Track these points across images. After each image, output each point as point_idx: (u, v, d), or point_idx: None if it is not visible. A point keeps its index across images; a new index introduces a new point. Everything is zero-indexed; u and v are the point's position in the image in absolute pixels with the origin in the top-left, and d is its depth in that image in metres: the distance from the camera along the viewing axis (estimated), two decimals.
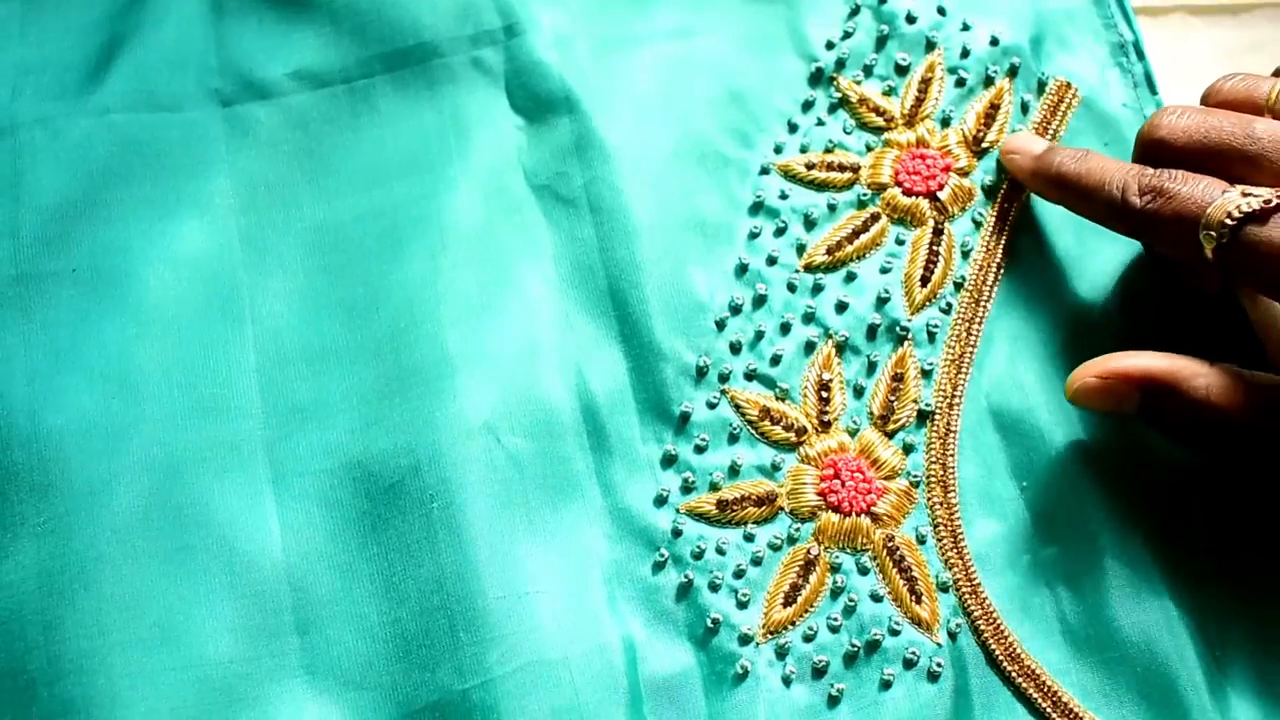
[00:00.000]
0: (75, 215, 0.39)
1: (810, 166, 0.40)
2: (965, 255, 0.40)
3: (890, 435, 0.38)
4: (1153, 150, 0.35)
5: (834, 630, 0.36)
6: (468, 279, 0.39)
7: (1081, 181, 0.36)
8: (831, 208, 0.40)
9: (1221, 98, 0.36)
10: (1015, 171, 0.39)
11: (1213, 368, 0.34)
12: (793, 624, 0.36)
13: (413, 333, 0.38)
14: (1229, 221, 0.33)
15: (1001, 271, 0.40)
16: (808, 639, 0.36)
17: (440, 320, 0.38)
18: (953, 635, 0.36)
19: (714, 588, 0.36)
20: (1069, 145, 0.41)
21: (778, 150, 0.41)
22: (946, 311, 0.39)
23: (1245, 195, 0.32)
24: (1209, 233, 0.33)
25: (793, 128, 0.41)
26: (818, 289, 0.39)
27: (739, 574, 0.36)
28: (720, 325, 0.38)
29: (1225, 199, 0.33)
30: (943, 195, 0.40)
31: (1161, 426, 0.36)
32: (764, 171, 0.41)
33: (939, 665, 0.35)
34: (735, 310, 0.39)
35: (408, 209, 0.40)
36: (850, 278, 0.39)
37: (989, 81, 0.42)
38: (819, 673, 0.35)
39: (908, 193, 0.40)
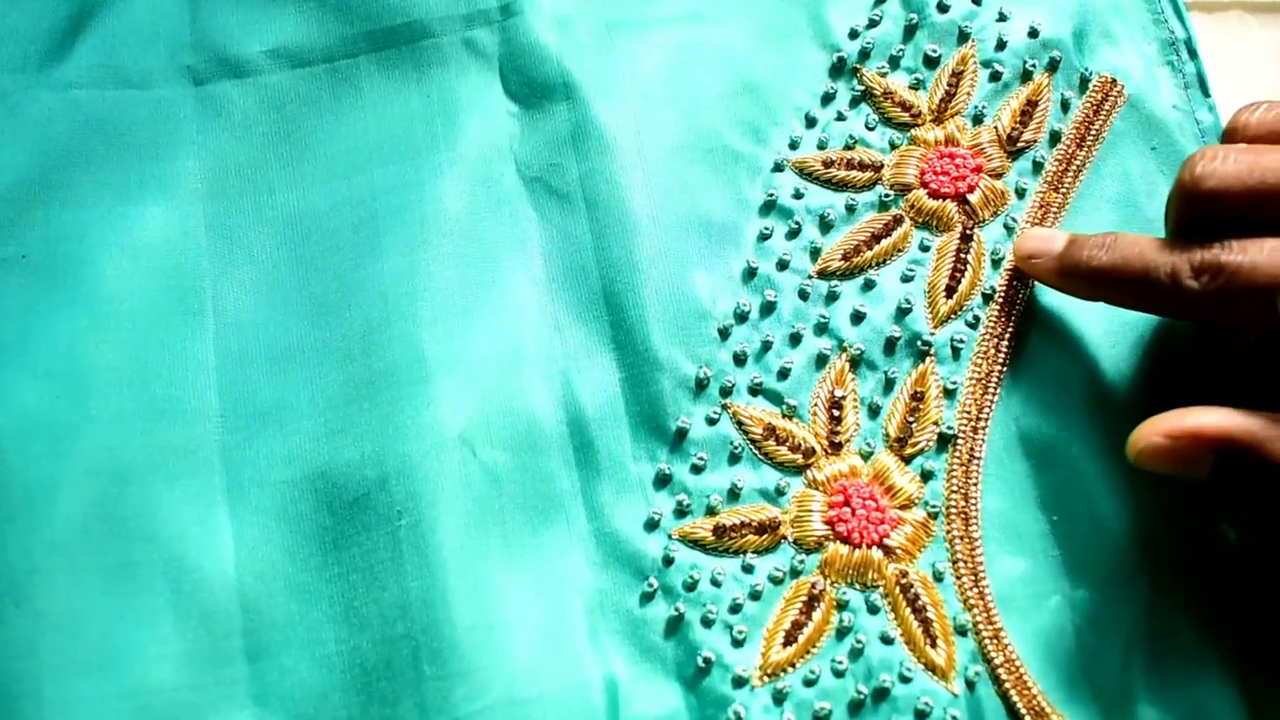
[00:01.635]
0: (30, 197, 0.37)
1: (828, 164, 0.38)
2: (996, 264, 0.37)
3: (907, 460, 0.35)
4: (1199, 205, 0.31)
5: (838, 675, 0.33)
6: (449, 276, 0.36)
7: (1120, 273, 0.32)
8: (850, 209, 0.37)
9: (1253, 133, 0.32)
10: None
11: None
12: (793, 666, 0.33)
13: (386, 332, 0.36)
14: None
15: (1035, 282, 0.36)
16: (809, 683, 0.33)
17: (416, 320, 0.36)
18: (970, 685, 0.33)
19: (707, 623, 0.33)
20: (1111, 151, 0.37)
21: (793, 146, 0.38)
22: (974, 325, 0.36)
23: None
24: None
25: (810, 122, 0.39)
26: (832, 297, 0.36)
27: (735, 608, 0.33)
28: (724, 334, 0.36)
29: None
30: (973, 198, 0.37)
31: (1237, 495, 0.32)
32: (777, 169, 0.38)
33: (954, 718, 0.32)
34: (741, 318, 0.36)
35: (387, 198, 0.38)
36: (868, 286, 0.37)
37: (1027, 76, 0.39)
38: None
39: (934, 195, 0.37)
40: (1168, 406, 0.32)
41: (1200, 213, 0.32)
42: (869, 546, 0.34)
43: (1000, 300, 0.37)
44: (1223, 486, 0.31)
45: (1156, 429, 0.31)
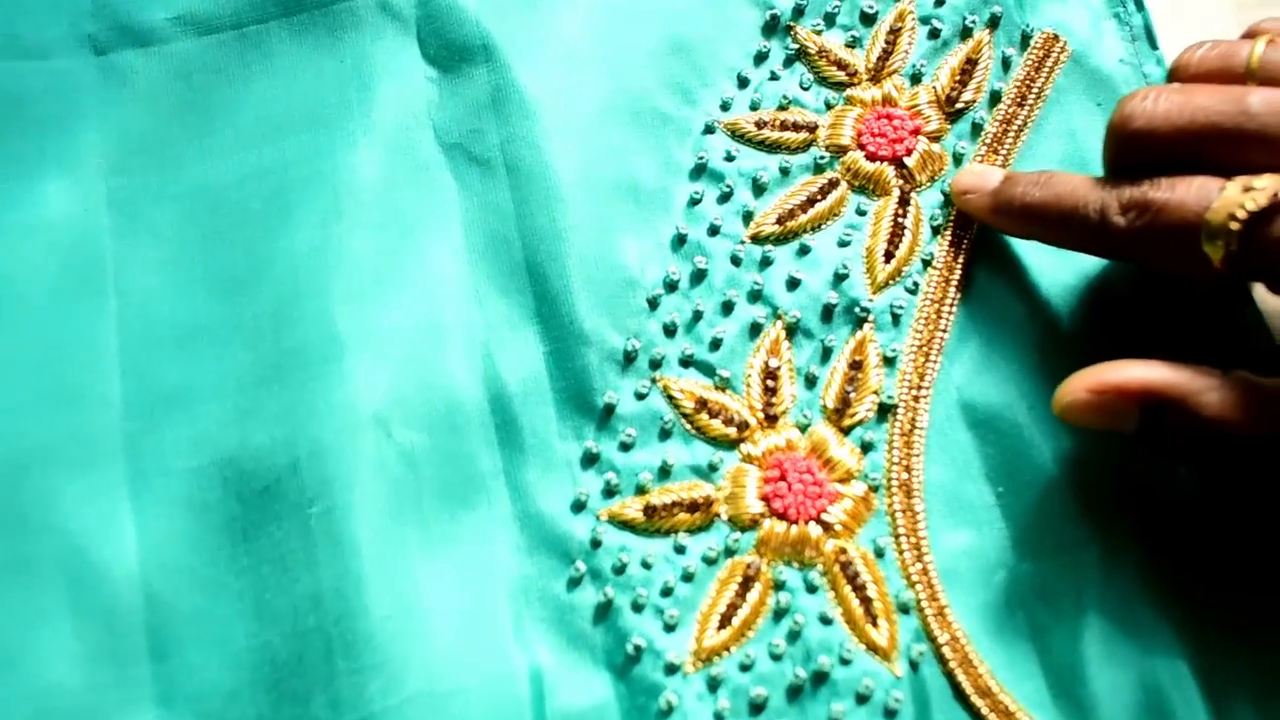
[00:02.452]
0: None
1: (761, 125, 0.36)
2: (935, 230, 0.35)
3: (846, 432, 0.33)
4: (1131, 145, 0.30)
5: (776, 658, 0.31)
6: (363, 248, 0.35)
7: (1051, 209, 0.31)
8: (784, 172, 0.36)
9: (1193, 72, 0.32)
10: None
11: (1225, 379, 0.28)
12: (728, 651, 0.31)
13: (297, 309, 0.34)
14: (1235, 226, 0.28)
15: (976, 248, 0.35)
16: (745, 669, 0.31)
17: (329, 295, 0.34)
18: (914, 665, 0.31)
19: (637, 608, 0.31)
20: (1055, 109, 0.36)
21: (725, 107, 0.37)
22: (913, 291, 0.34)
23: (1247, 190, 0.28)
24: (1215, 242, 0.28)
25: (743, 82, 0.37)
26: (766, 263, 0.35)
27: (667, 592, 0.32)
28: (653, 304, 0.34)
29: (1225, 199, 0.28)
30: (910, 161, 0.36)
31: (1166, 450, 0.30)
32: (708, 130, 0.37)
33: (897, 700, 0.30)
34: (670, 287, 0.35)
35: (299, 169, 0.36)
36: (804, 251, 0.35)
37: (966, 33, 0.37)
38: (757, 709, 0.31)
39: (871, 157, 0.36)
40: None
41: (1131, 153, 0.31)
42: (806, 523, 0.32)
43: (940, 266, 0.35)
44: (1150, 441, 0.30)
45: (1080, 384, 0.30)
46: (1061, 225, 0.31)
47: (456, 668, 0.30)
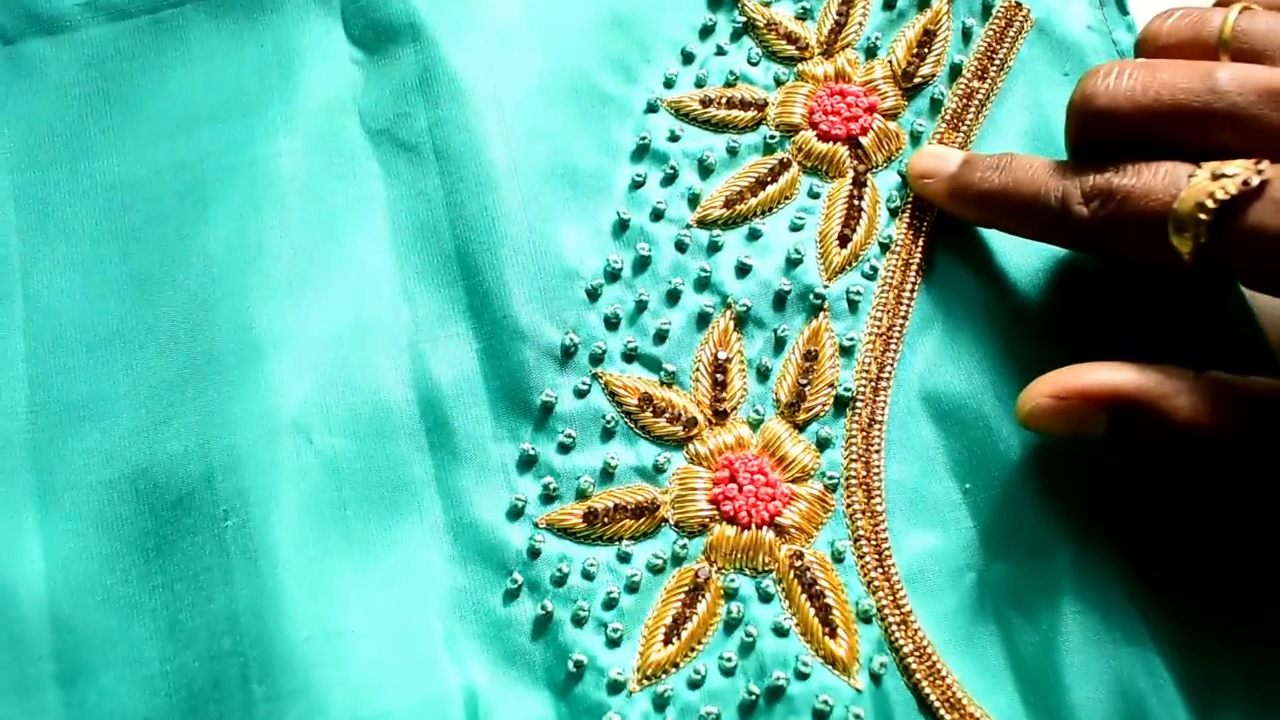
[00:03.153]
0: None
1: (707, 103, 0.34)
2: (893, 212, 0.33)
3: (801, 427, 0.31)
4: (1093, 126, 0.28)
5: (727, 673, 0.29)
6: (282, 243, 0.33)
7: (1010, 197, 0.29)
8: (732, 152, 0.34)
9: (1163, 43, 0.30)
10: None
11: (1197, 380, 0.27)
12: (675, 666, 0.29)
13: (212, 310, 0.32)
14: (1204, 216, 0.26)
15: (936, 231, 0.33)
16: (694, 685, 0.29)
17: (246, 294, 0.32)
18: (876, 678, 0.29)
19: (579, 621, 0.30)
20: (1020, 81, 0.33)
21: (668, 84, 0.35)
22: (871, 277, 0.32)
23: (1217, 178, 0.26)
24: (1183, 234, 0.26)
25: (687, 58, 0.35)
26: (714, 249, 0.33)
27: (610, 604, 0.30)
28: (593, 295, 0.32)
29: (1194, 187, 0.26)
30: (865, 140, 0.34)
31: (1137, 455, 0.28)
32: (650, 110, 0.35)
33: (858, 716, 0.28)
34: (612, 277, 0.33)
35: (216, 160, 0.34)
36: (754, 236, 0.33)
37: (923, 4, 0.35)
38: None
39: (824, 136, 0.34)
40: (1086, 359, 0.28)
41: (1094, 135, 0.28)
42: (759, 526, 0.30)
43: (899, 249, 0.33)
44: (1120, 447, 0.28)
45: (1043, 389, 0.28)
46: (1021, 214, 0.29)
47: (384, 691, 0.28)
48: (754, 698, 0.28)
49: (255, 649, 0.28)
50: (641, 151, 0.34)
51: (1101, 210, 0.27)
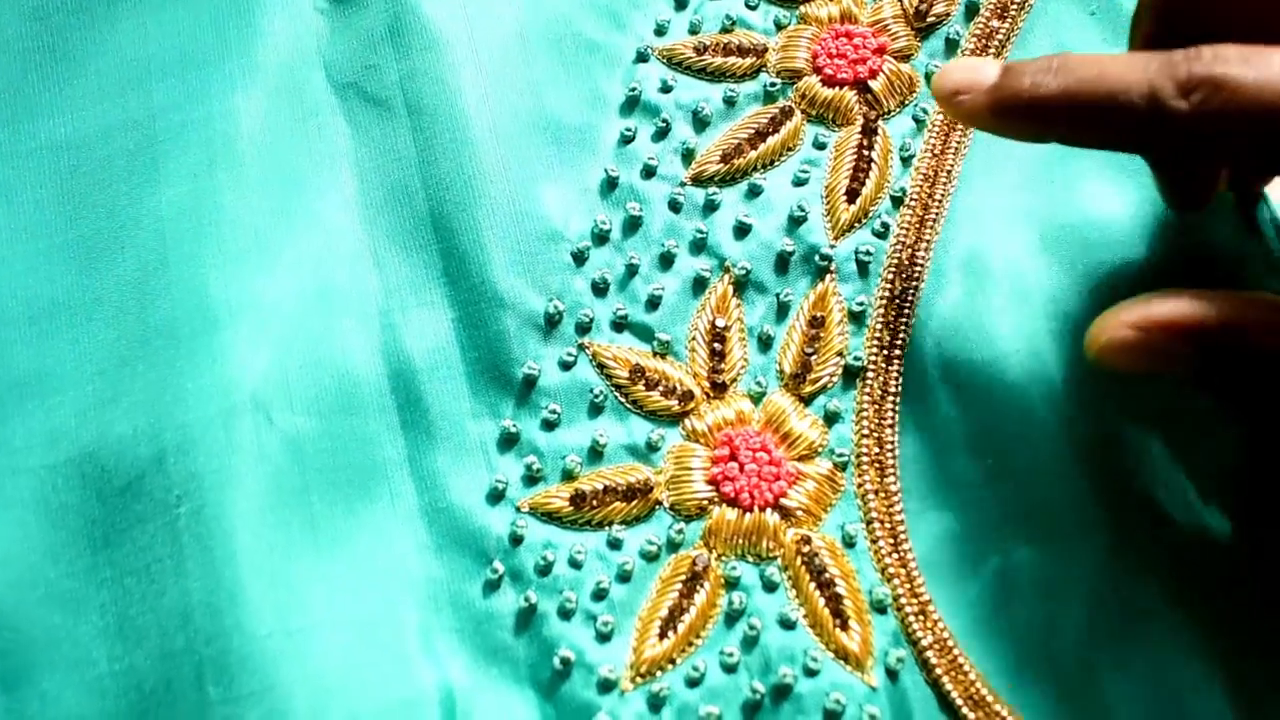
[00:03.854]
0: None
1: (701, 50, 0.31)
2: (906, 162, 0.31)
3: (807, 401, 0.29)
4: (1178, 8, 0.25)
5: (729, 670, 0.26)
6: (240, 205, 0.30)
7: (1077, 99, 0.24)
8: (729, 103, 0.31)
9: None
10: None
11: None
12: (672, 663, 0.26)
13: (164, 278, 0.29)
14: None
15: (955, 183, 0.30)
16: (693, 683, 0.26)
17: (200, 259, 0.29)
18: (892, 674, 0.26)
19: (566, 614, 0.27)
20: (1041, 20, 0.30)
21: (659, 31, 0.32)
22: (882, 235, 0.30)
23: None
24: None
25: (680, 3, 0.33)
26: (710, 208, 0.30)
27: (599, 594, 0.27)
28: (579, 259, 0.30)
29: None
30: (875, 85, 0.31)
31: (1229, 396, 0.25)
32: (640, 59, 0.32)
33: (873, 716, 0.26)
34: (599, 239, 0.30)
35: (169, 118, 0.31)
36: (754, 192, 0.30)
37: None
38: None
39: (829, 82, 0.31)
40: None
41: (1176, 17, 0.25)
42: (762, 509, 0.27)
43: (914, 204, 0.30)
44: (1209, 386, 0.25)
45: (1122, 319, 0.24)
46: (1094, 119, 0.24)
47: (352, 692, 0.26)
48: (758, 697, 0.26)
49: (210, 647, 0.26)
50: (631, 104, 0.31)
51: (1206, 105, 0.23)
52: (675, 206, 0.30)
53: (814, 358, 0.29)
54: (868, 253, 0.29)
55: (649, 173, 0.30)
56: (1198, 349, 0.24)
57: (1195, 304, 0.24)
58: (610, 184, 0.30)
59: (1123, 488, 0.27)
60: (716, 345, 0.29)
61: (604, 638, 0.27)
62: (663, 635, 0.26)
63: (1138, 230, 0.29)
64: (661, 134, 0.31)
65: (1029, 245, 0.29)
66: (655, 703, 0.26)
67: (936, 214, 0.30)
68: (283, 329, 0.29)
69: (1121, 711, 0.26)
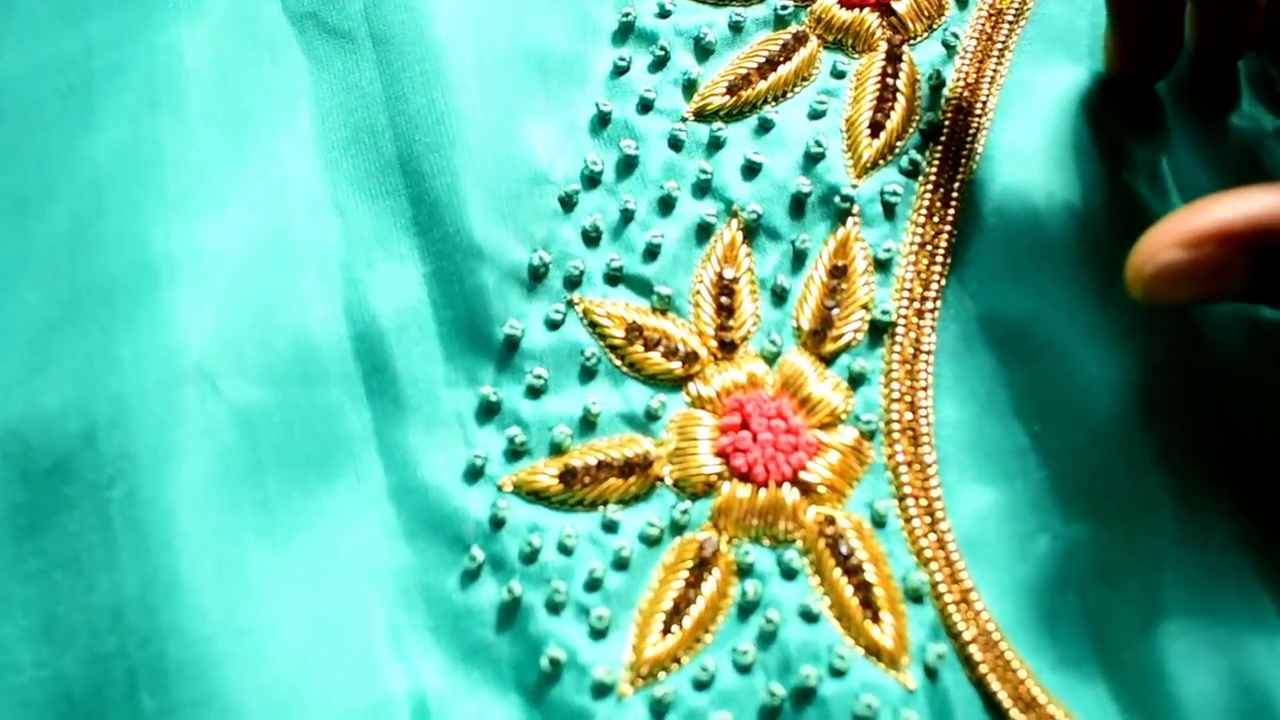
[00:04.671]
0: None
1: None
2: (935, 93, 0.27)
3: (828, 361, 0.25)
4: None
5: (743, 670, 0.23)
6: (185, 149, 0.26)
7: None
8: (735, 28, 0.28)
9: None
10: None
11: None
12: (677, 662, 0.23)
13: (98, 230, 0.26)
14: None
15: (991, 115, 0.27)
16: (701, 686, 0.22)
17: (140, 210, 0.26)
18: (931, 672, 0.23)
19: (555, 607, 0.23)
20: None
21: None
22: (910, 173, 0.26)
23: None
24: None
25: None
26: (715, 145, 0.27)
27: (593, 585, 0.23)
28: (567, 204, 0.26)
29: None
30: (899, 7, 0.28)
31: None
32: None
33: None
34: (590, 182, 0.27)
35: (106, 54, 0.28)
36: (764, 127, 0.27)
37: None
38: None
39: (848, 4, 0.28)
40: None
41: None
42: (779, 484, 0.24)
43: (945, 139, 0.27)
44: (1273, 297, 0.21)
45: (1166, 239, 0.21)
46: None
47: (310, 700, 0.23)
48: (778, 701, 0.22)
49: (144, 650, 0.22)
50: (625, 31, 0.28)
51: None
52: (676, 144, 0.27)
53: (835, 312, 0.25)
54: (894, 193, 0.26)
55: (645, 107, 0.27)
56: (1255, 257, 0.20)
57: (1252, 200, 0.21)
58: (602, 120, 0.27)
59: (1188, 452, 0.24)
60: (724, 299, 0.25)
61: (599, 634, 0.23)
62: (666, 631, 0.23)
63: (1197, 159, 0.25)
64: (659, 64, 0.27)
65: (1074, 187, 0.26)
66: (658, 709, 0.22)
67: (971, 150, 0.26)
68: (232, 286, 0.25)
69: (1193, 708, 0.22)
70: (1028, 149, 0.26)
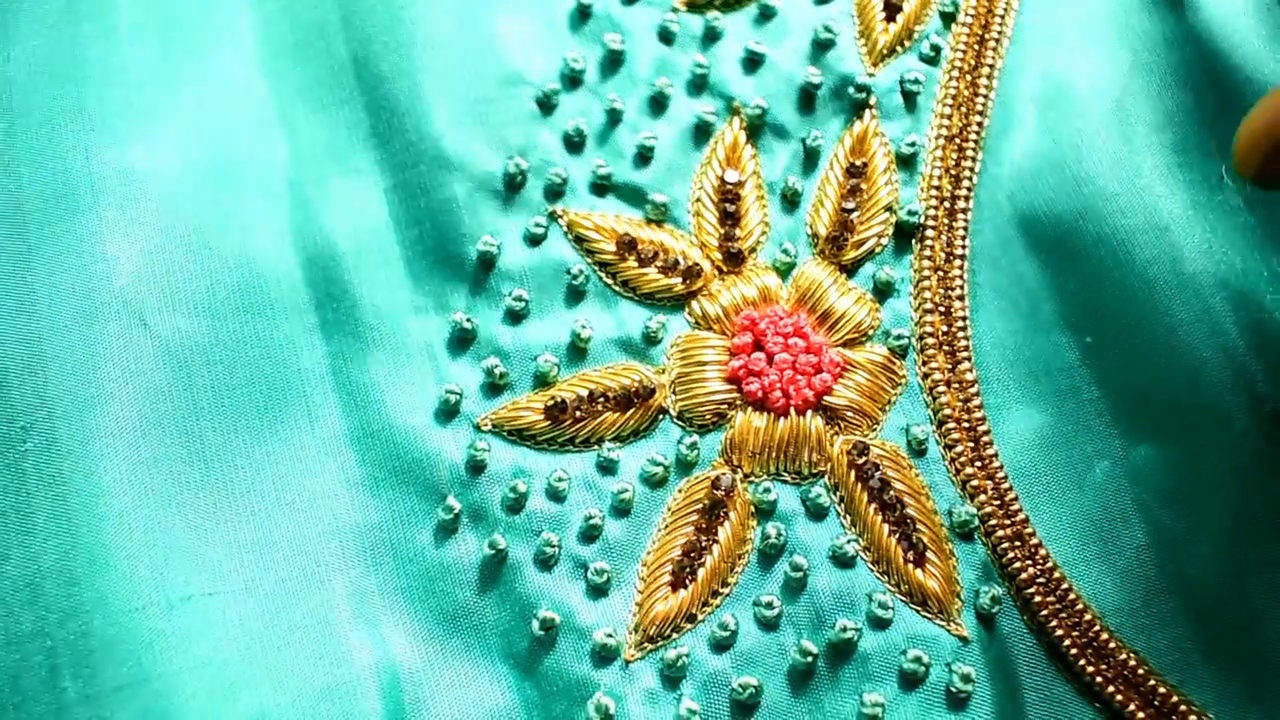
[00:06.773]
0: None
1: None
2: None
3: (850, 270, 0.22)
4: None
5: (769, 626, 0.19)
6: (110, 62, 0.23)
7: None
8: None
9: None
10: None
11: None
12: (692, 620, 0.19)
13: (9, 152, 0.22)
14: None
15: None
16: (720, 647, 0.19)
17: (58, 127, 0.23)
18: (986, 619, 0.19)
19: (546, 563, 0.20)
20: None
21: None
22: (932, 60, 0.23)
23: None
24: None
25: None
26: (712, 36, 0.24)
27: (590, 535, 0.20)
28: (545, 106, 0.23)
29: None
30: None
31: None
32: None
33: (966, 679, 0.18)
34: (571, 81, 0.23)
35: None
36: (766, 15, 0.24)
37: None
38: (745, 709, 0.18)
39: None
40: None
41: None
42: (800, 411, 0.20)
43: (969, 20, 0.23)
44: None
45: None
46: None
47: (258, 680, 0.19)
48: (809, 660, 0.19)
49: (65, 628, 0.19)
50: None
51: None
52: (666, 37, 0.24)
53: (855, 215, 0.21)
54: (916, 81, 0.23)
55: None
56: None
57: None
58: (582, 13, 0.24)
59: (1267, 358, 0.20)
60: (728, 206, 0.22)
61: (598, 592, 0.20)
62: (677, 585, 0.20)
63: (1262, 34, 0.21)
64: None
65: (1122, 65, 0.22)
66: (671, 674, 0.19)
67: (1000, 32, 0.23)
68: (162, 209, 0.22)
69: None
70: (1064, 30, 0.22)
